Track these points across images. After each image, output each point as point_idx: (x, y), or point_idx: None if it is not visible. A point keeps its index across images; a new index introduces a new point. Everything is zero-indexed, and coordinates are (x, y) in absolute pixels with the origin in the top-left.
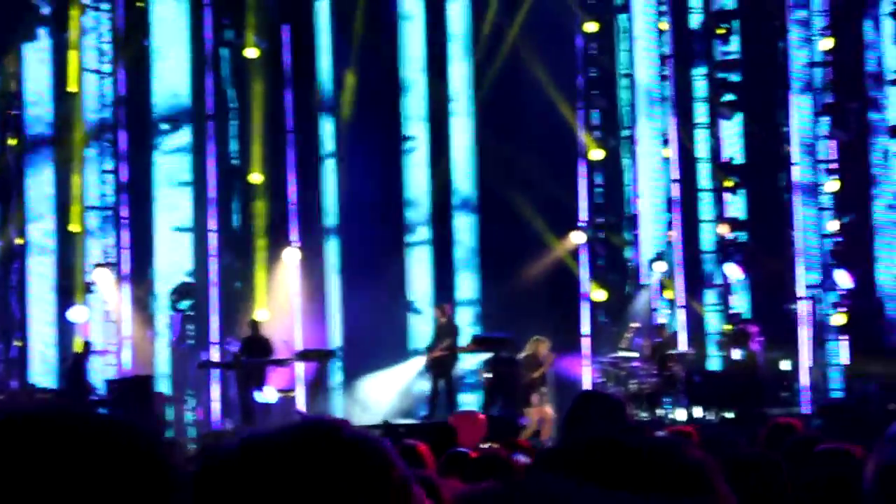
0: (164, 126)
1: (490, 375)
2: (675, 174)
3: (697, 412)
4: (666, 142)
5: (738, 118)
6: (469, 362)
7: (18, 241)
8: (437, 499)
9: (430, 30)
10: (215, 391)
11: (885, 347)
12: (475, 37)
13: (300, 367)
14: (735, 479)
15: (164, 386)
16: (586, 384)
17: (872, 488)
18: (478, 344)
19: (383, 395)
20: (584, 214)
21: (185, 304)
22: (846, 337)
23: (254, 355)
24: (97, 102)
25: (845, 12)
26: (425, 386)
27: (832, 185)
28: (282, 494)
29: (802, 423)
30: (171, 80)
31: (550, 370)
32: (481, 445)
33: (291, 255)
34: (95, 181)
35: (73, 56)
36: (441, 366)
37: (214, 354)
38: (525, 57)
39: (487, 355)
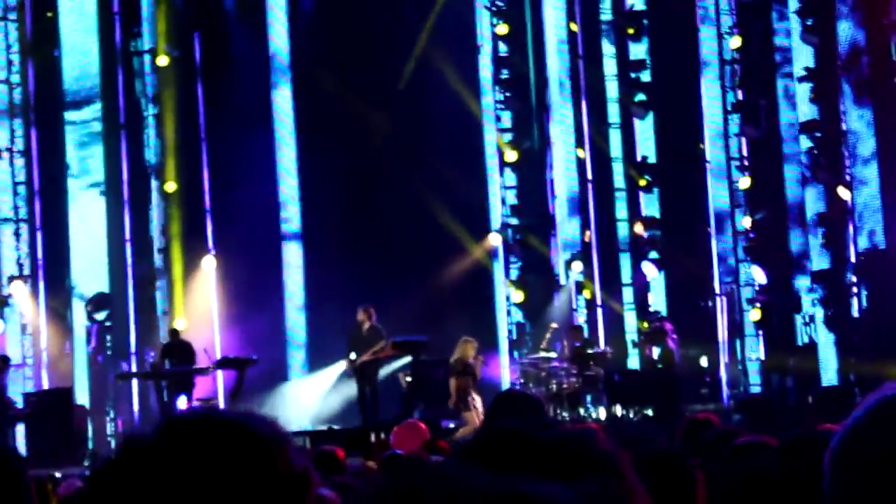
0: (77, 136)
1: (409, 379)
2: (590, 174)
3: (618, 410)
4: (580, 142)
5: (651, 117)
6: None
7: None
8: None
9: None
10: (135, 402)
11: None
12: (389, 40)
13: (220, 376)
14: (642, 475)
15: (83, 398)
16: (506, 385)
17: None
18: (396, 348)
19: (307, 401)
20: (499, 216)
21: (101, 315)
22: (762, 332)
23: (174, 364)
24: (6, 112)
25: (753, 10)
26: (349, 392)
27: (744, 181)
28: (160, 489)
29: (721, 418)
30: (81, 89)
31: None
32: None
33: (209, 263)
34: (7, 192)
35: None
36: (365, 371)
37: (133, 365)
38: (435, 60)
39: (406, 359)
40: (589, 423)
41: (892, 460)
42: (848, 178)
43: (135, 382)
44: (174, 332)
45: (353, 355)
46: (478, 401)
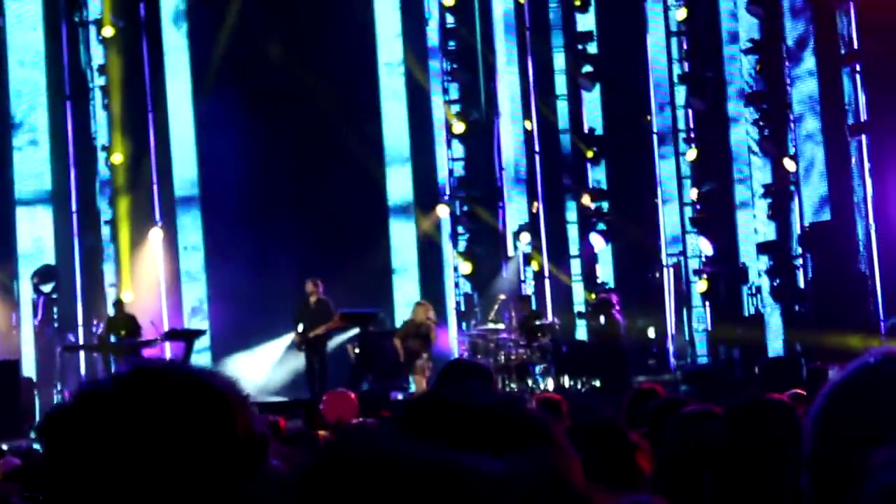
0: (23, 105)
1: (358, 351)
2: (537, 146)
3: (566, 381)
4: (527, 114)
5: (598, 89)
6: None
7: None
8: None
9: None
10: (83, 375)
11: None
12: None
13: (168, 348)
14: (583, 444)
15: (29, 371)
16: (454, 356)
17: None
18: (345, 319)
19: (254, 374)
20: (447, 188)
21: (48, 287)
22: (709, 303)
23: (120, 337)
24: None
25: None
26: (297, 364)
27: (691, 153)
28: (114, 437)
29: (668, 389)
30: (26, 58)
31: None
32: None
33: (156, 235)
34: None
35: None
36: (315, 343)
37: (80, 337)
38: (383, 29)
39: (355, 331)
40: (551, 395)
41: (870, 421)
42: (793, 149)
43: (82, 355)
44: (119, 304)
45: (300, 327)
46: (428, 366)
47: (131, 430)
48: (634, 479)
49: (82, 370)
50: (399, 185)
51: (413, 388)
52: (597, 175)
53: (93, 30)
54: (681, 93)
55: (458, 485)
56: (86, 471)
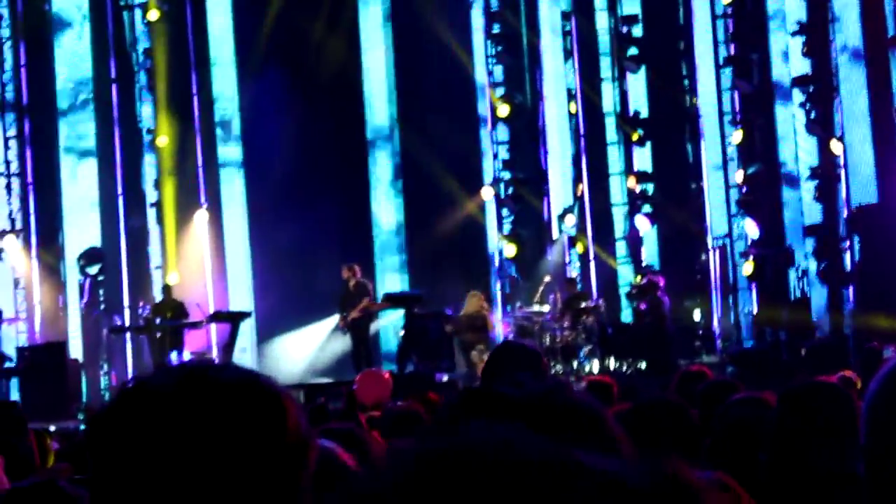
0: (67, 89)
1: (403, 332)
2: (582, 129)
3: (611, 364)
4: (572, 97)
5: (643, 71)
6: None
7: None
8: (363, 451)
9: None
10: (129, 356)
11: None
12: None
13: (214, 330)
14: (641, 422)
15: (76, 353)
16: (499, 339)
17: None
18: (389, 301)
19: (299, 356)
20: (491, 171)
21: (94, 269)
22: (755, 285)
23: (166, 319)
24: None
25: None
26: (344, 346)
27: (737, 135)
28: (164, 437)
29: (715, 371)
30: (72, 44)
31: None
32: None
33: (201, 217)
34: None
35: None
36: (357, 326)
37: (126, 319)
38: (427, 15)
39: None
40: (601, 378)
41: None
42: (840, 131)
43: (128, 336)
44: (167, 289)
45: (342, 311)
46: (483, 357)
47: (182, 430)
48: (696, 457)
49: (128, 352)
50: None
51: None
52: (642, 157)
53: (138, 13)
54: (727, 74)
55: (583, 484)
56: (133, 472)
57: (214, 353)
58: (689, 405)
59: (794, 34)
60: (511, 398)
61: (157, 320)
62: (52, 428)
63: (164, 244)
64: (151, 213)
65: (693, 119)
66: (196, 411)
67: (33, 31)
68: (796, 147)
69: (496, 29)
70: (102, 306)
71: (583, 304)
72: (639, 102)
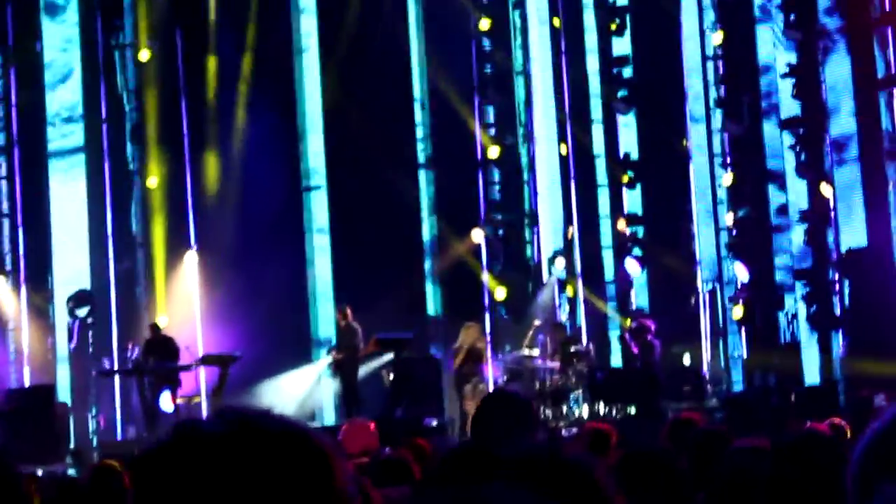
0: (58, 130)
1: (392, 377)
2: (573, 171)
3: (601, 408)
4: (563, 138)
5: (633, 113)
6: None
7: None
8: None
9: (325, 26)
10: (117, 400)
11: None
12: (370, 35)
13: (203, 373)
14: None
15: (65, 396)
16: (489, 381)
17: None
18: (379, 345)
19: (288, 399)
20: (482, 212)
21: (83, 312)
22: (745, 329)
23: (156, 361)
24: None
25: (735, 5)
26: (331, 389)
27: (727, 177)
28: (212, 485)
29: (704, 416)
30: (63, 83)
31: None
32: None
33: (191, 259)
34: None
35: None
36: (345, 369)
37: (115, 362)
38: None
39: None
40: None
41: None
42: (830, 174)
43: (117, 379)
44: (155, 328)
45: (333, 353)
46: (478, 391)
47: (231, 479)
48: None
49: (117, 395)
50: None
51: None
52: (632, 200)
53: (129, 54)
54: (717, 117)
55: None
56: None
57: (203, 397)
58: (681, 453)
59: (784, 76)
60: (504, 458)
61: (149, 361)
62: (40, 472)
63: (153, 286)
64: (141, 255)
65: (683, 161)
66: (244, 461)
67: (24, 70)
68: (786, 190)
69: (487, 69)
70: (91, 349)
71: (573, 349)
72: (629, 144)
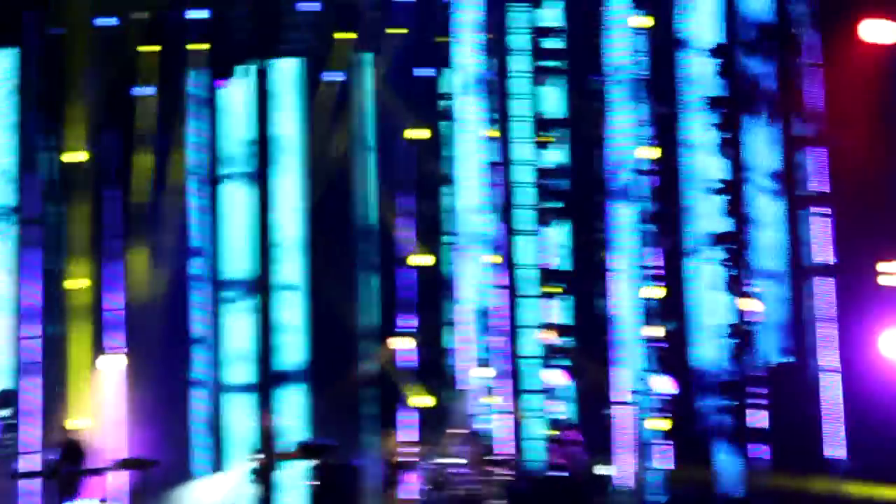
0: None
1: (316, 483)
2: (503, 280)
3: None
4: (493, 247)
5: (563, 225)
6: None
7: None
8: None
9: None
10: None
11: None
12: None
13: (120, 476)
14: None
15: None
16: (411, 490)
17: None
18: (303, 451)
19: (211, 501)
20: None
21: (4, 413)
22: (668, 443)
23: (68, 464)
24: None
25: (670, 120)
26: (251, 493)
27: (656, 291)
28: None
29: None
30: None
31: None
32: None
33: (106, 363)
34: None
35: None
36: (265, 473)
37: (32, 464)
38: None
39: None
40: None
41: None
42: (758, 290)
43: (32, 482)
44: (65, 430)
45: (256, 455)
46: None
47: None
48: None
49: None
50: None
51: None
52: (558, 311)
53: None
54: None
55: None
56: None
57: (118, 501)
58: None
59: (717, 192)
60: None
61: (62, 464)
62: None
63: (70, 388)
64: (64, 356)
65: (608, 274)
66: None
67: None
68: (714, 304)
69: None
70: (10, 450)
71: (493, 457)
72: (557, 256)
